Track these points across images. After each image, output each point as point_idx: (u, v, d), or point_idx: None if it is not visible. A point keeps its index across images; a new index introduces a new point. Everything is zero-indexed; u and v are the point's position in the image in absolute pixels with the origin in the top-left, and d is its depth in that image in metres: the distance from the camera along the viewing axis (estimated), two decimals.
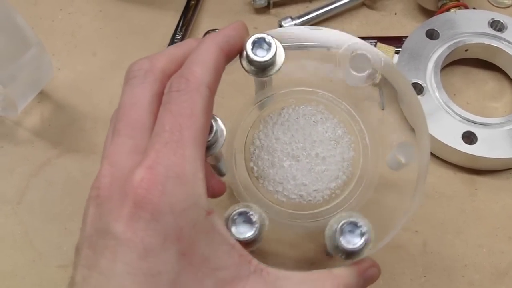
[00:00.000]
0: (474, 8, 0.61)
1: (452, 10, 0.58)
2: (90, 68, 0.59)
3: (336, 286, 0.32)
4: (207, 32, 0.59)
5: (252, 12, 0.62)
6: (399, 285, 0.47)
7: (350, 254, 0.33)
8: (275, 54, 0.35)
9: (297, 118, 0.40)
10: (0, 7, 0.46)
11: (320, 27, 0.40)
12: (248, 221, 0.33)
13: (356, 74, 0.39)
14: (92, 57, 0.59)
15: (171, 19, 0.61)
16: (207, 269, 0.29)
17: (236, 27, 0.34)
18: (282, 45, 0.35)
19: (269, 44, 0.34)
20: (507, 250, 0.49)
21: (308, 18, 0.60)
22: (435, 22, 0.57)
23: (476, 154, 0.50)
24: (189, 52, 0.33)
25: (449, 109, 0.53)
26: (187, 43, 0.35)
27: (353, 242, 0.32)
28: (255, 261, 0.31)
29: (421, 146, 0.38)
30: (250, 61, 0.35)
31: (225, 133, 0.34)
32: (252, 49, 0.34)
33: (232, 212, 0.33)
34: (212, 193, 0.37)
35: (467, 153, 0.50)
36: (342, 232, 0.33)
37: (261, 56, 0.34)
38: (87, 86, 0.57)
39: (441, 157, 0.53)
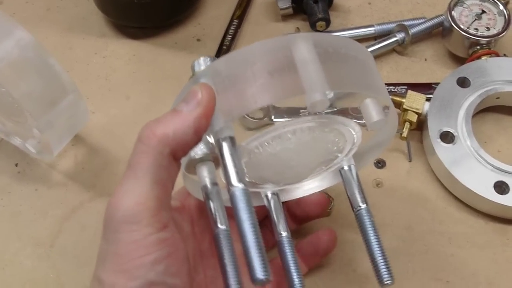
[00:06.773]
0: (505, 55, 0.61)
1: (483, 57, 0.58)
2: (124, 111, 0.60)
3: None
4: None
5: None
6: None
7: None
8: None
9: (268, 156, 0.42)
10: (40, 56, 0.47)
11: None
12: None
13: None
14: (125, 101, 0.60)
15: None
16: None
17: None
18: None
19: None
20: None
21: None
22: (466, 70, 0.57)
23: (508, 205, 0.50)
24: None
25: (480, 158, 0.52)
26: None
27: None
28: None
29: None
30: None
31: None
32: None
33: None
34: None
35: (499, 203, 0.50)
36: None
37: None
38: (120, 129, 0.58)
39: (472, 206, 0.52)
